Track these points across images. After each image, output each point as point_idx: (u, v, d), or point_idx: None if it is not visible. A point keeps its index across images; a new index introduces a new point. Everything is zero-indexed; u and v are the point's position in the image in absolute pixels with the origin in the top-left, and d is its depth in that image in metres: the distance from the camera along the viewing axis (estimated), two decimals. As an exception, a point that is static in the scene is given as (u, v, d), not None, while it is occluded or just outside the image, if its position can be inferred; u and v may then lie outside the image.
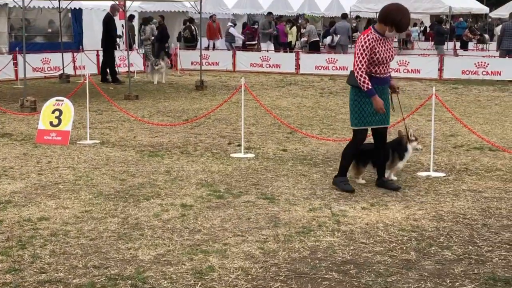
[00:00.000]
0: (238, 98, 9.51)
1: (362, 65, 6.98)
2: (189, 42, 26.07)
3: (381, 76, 7.15)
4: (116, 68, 19.96)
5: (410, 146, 7.57)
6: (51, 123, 10.04)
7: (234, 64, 24.15)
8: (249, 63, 23.99)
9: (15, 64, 19.82)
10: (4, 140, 10.15)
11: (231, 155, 9.22)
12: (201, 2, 17.75)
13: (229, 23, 28.07)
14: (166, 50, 24.68)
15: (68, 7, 21.90)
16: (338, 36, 24.73)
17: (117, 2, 17.35)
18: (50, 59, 21.10)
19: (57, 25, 22.80)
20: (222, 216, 6.31)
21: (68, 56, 20.96)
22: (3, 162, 8.62)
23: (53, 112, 10.09)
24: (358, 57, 6.98)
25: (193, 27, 26.20)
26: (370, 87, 6.98)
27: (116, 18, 23.20)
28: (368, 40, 6.99)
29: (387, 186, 7.36)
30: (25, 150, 9.40)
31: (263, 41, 26.85)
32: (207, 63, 23.82)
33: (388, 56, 7.13)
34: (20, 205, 6.63)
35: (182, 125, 11.58)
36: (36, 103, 13.27)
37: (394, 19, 7.01)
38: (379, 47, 7.03)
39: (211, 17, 28.97)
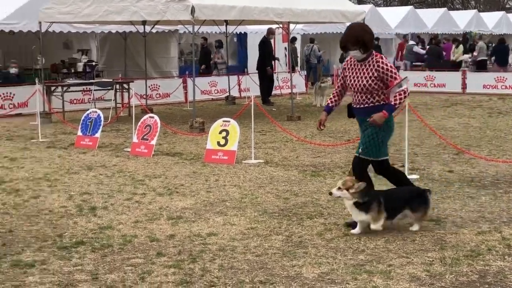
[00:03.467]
0: (401, 119, 9.39)
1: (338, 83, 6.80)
2: (350, 63, 26.11)
3: (355, 106, 6.67)
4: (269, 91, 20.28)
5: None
6: (218, 143, 10.44)
7: (397, 84, 23.82)
8: (413, 83, 23.58)
9: (185, 87, 20.83)
10: (175, 159, 10.68)
11: (395, 175, 9.09)
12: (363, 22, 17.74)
13: (412, 42, 27.61)
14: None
15: (234, 32, 22.71)
16: None
17: (280, 26, 17.76)
18: (217, 82, 21.97)
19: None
20: (386, 237, 6.24)
21: (233, 79, 21.70)
22: (174, 179, 9.08)
23: (220, 133, 10.48)
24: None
25: (353, 48, 26.20)
26: (327, 103, 6.90)
27: (279, 41, 23.72)
28: (345, 62, 6.68)
29: None
30: (194, 169, 9.83)
31: None
32: (369, 84, 23.69)
33: (355, 84, 6.52)
34: (190, 221, 6.94)
35: (344, 145, 11.59)
36: (204, 124, 13.85)
37: None
38: (349, 71, 6.62)
39: (404, 36, 28.73)
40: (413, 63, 27.01)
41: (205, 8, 13.98)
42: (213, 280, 5.18)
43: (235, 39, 26.91)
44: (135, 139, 11.33)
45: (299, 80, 23.41)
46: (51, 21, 16.05)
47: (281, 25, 17.62)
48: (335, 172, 9.44)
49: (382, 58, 6.46)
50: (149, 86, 19.47)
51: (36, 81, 15.14)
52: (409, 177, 8.91)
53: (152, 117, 11.39)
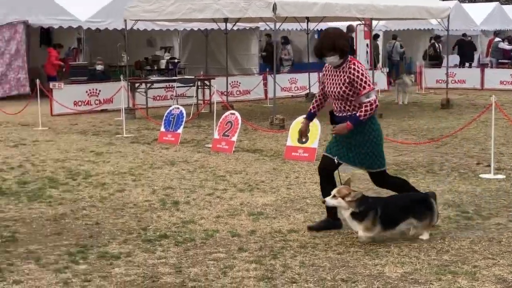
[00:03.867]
0: (487, 117, 9.14)
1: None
2: (434, 59, 25.64)
3: (336, 114, 6.35)
4: None
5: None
6: (298, 140, 10.41)
7: (482, 82, 23.24)
8: (499, 80, 22.94)
9: (265, 84, 20.91)
10: (255, 156, 10.73)
11: (480, 175, 8.88)
12: (448, 19, 17.36)
13: (497, 38, 26.90)
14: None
15: (315, 29, 22.63)
16: None
17: (362, 22, 17.59)
18: (297, 79, 21.96)
19: (304, 45, 23.66)
20: (471, 237, 6.10)
21: (314, 76, 21.63)
22: (255, 176, 9.13)
23: (301, 130, 10.44)
24: None
25: (437, 45, 25.71)
26: (309, 110, 6.60)
27: (361, 38, 23.46)
28: (324, 68, 6.39)
29: None
30: (274, 165, 9.85)
31: None
32: (453, 81, 23.19)
33: (332, 91, 6.24)
34: (271, 217, 6.96)
35: (427, 144, 11.38)
36: (284, 121, 13.85)
37: None
38: (326, 78, 6.33)
39: (494, 33, 28.12)
40: (499, 61, 26.26)
41: (287, 5, 13.98)
42: (294, 276, 5.18)
43: (316, 36, 26.78)
44: (216, 135, 11.46)
45: (380, 77, 23.11)
46: (135, 19, 16.41)
47: (363, 22, 17.45)
48: (418, 171, 9.28)
49: (355, 64, 6.13)
50: (229, 83, 19.64)
51: (121, 78, 15.51)
52: (494, 177, 8.72)
53: (233, 114, 11.48)
